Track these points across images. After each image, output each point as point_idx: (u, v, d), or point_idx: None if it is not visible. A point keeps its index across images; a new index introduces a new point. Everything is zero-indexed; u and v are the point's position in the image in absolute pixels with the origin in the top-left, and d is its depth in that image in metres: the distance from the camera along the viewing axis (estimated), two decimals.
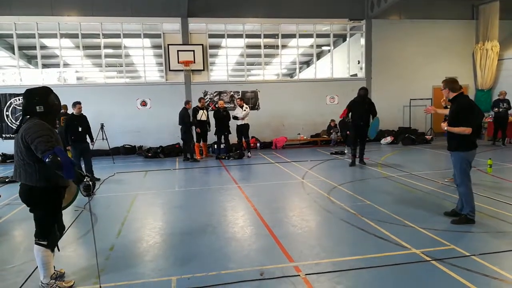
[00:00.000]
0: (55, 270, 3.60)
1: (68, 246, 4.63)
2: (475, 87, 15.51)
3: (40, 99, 3.26)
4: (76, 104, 8.40)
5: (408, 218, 5.17)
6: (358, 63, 15.35)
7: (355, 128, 9.45)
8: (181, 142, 11.98)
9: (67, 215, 5.97)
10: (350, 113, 9.52)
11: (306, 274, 3.61)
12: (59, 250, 3.64)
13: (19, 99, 12.78)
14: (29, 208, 3.37)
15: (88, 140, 8.61)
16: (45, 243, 3.35)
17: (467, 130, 4.77)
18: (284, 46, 16.10)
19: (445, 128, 4.99)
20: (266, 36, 14.38)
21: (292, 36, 15.04)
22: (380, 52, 14.80)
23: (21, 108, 12.44)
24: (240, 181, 8.18)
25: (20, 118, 3.35)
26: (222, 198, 6.81)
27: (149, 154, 12.41)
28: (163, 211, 6.24)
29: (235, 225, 5.25)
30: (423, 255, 3.95)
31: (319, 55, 18.18)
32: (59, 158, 3.00)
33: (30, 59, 17.55)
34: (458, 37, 15.31)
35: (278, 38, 14.50)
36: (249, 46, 15.22)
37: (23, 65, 16.32)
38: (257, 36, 14.34)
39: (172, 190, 7.72)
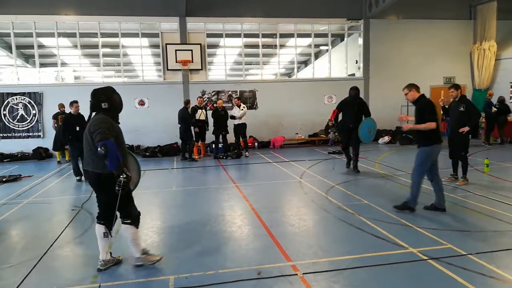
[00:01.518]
0: (111, 257, 3.94)
1: (66, 245, 4.63)
2: (472, 87, 15.56)
3: (105, 97, 3.75)
4: (73, 103, 8.36)
5: (405, 217, 5.19)
6: (356, 62, 15.35)
7: (346, 131, 8.71)
8: (179, 141, 11.97)
9: (64, 214, 5.97)
10: (340, 114, 8.78)
11: (303, 273, 3.62)
12: (137, 228, 3.90)
13: (16, 98, 12.74)
14: (95, 192, 3.84)
15: None
16: (103, 224, 3.77)
17: (432, 125, 5.11)
18: (282, 46, 16.10)
19: (409, 128, 5.41)
20: (264, 35, 14.37)
21: (290, 35, 15.03)
22: (378, 52, 14.82)
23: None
24: (238, 181, 8.18)
25: (88, 113, 3.93)
26: (220, 198, 6.81)
27: (147, 154, 12.40)
28: (160, 211, 6.24)
29: (233, 225, 5.26)
30: (420, 254, 3.97)
31: (317, 55, 18.19)
32: (107, 149, 3.35)
33: (28, 58, 17.49)
34: (456, 37, 15.34)
35: (276, 37, 14.50)
36: (247, 46, 15.21)
37: (20, 64, 16.26)
38: (255, 35, 14.33)
39: (170, 190, 7.72)
